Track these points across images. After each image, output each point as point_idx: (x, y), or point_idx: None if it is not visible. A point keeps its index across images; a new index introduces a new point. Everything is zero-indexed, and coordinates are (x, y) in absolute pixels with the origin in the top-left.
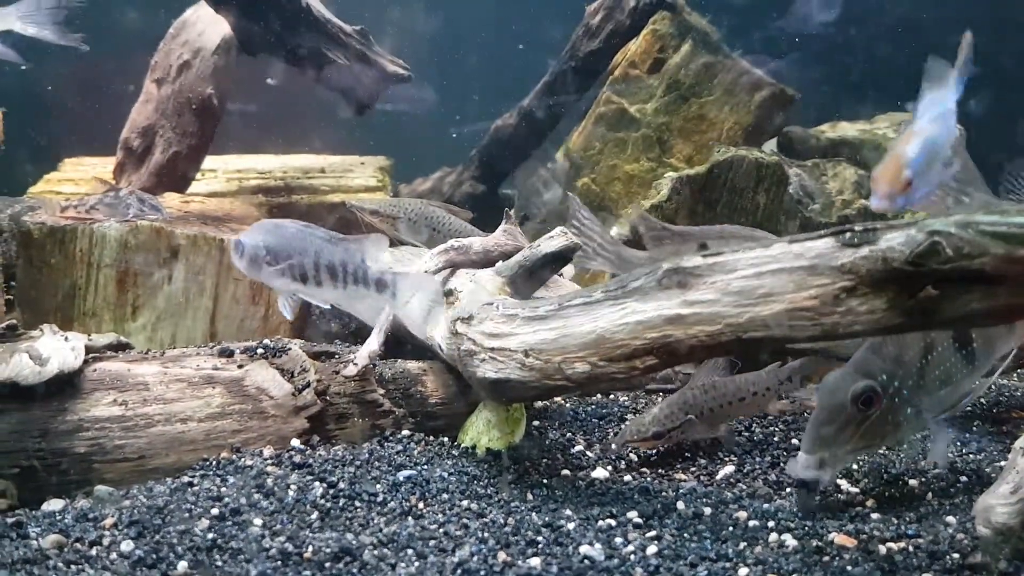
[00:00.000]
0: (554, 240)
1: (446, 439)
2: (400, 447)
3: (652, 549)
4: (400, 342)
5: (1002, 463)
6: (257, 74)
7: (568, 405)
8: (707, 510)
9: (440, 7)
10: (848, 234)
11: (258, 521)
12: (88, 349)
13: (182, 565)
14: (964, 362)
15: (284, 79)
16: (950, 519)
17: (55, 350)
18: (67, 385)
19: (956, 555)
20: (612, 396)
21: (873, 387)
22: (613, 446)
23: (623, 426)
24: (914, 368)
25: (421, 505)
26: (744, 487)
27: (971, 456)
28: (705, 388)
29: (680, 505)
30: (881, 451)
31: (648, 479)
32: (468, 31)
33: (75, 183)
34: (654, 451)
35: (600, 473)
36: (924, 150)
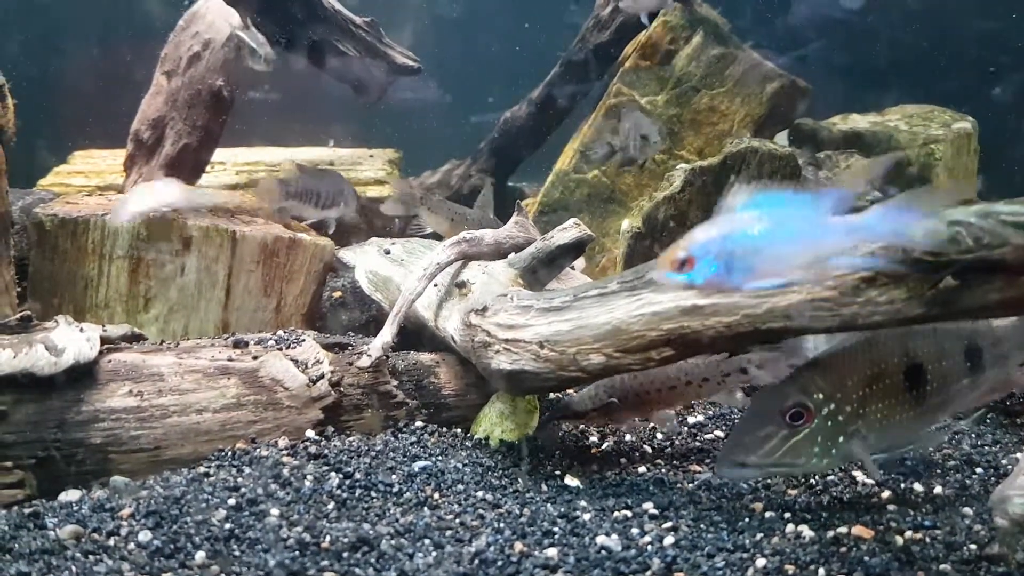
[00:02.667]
0: (567, 232)
1: (459, 430)
2: (414, 438)
3: (669, 540)
4: (415, 334)
5: (1018, 454)
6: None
7: None
8: (723, 501)
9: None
10: None
11: (275, 511)
12: (103, 340)
13: (200, 555)
14: (912, 403)
15: (295, 71)
16: (967, 510)
17: (70, 341)
18: (83, 376)
19: (973, 546)
20: None
21: (805, 403)
22: (568, 410)
23: (580, 393)
24: (855, 395)
25: (437, 496)
26: (759, 478)
27: (986, 448)
28: (635, 374)
29: (696, 496)
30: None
31: (663, 470)
32: (478, 23)
33: (85, 176)
34: (603, 436)
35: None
36: (713, 241)
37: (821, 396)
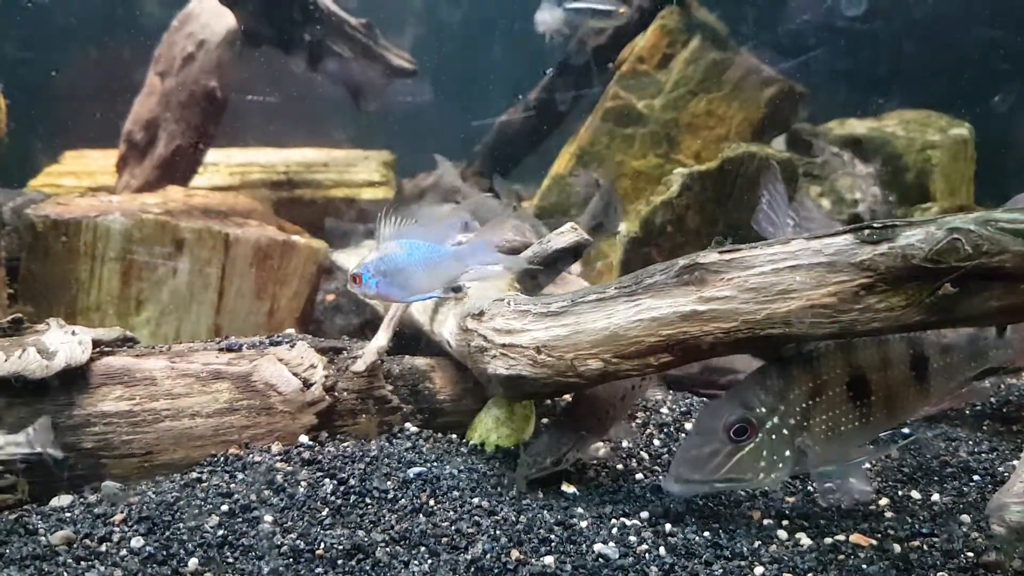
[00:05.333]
0: (564, 236)
1: (455, 436)
2: (409, 444)
3: (666, 547)
4: (415, 340)
5: (1014, 462)
6: (265, 68)
7: None
8: (720, 508)
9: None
10: (868, 231)
11: (269, 518)
12: (95, 343)
13: (193, 562)
14: (857, 414)
15: (290, 72)
16: (964, 518)
17: (62, 344)
18: (75, 379)
19: (970, 554)
20: None
21: (748, 418)
22: (515, 486)
23: (520, 459)
24: (798, 408)
25: (432, 502)
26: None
27: (983, 455)
28: (587, 399)
29: (693, 503)
30: (892, 453)
31: (660, 477)
32: (473, 25)
33: (76, 176)
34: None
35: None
36: (372, 263)
37: (764, 410)
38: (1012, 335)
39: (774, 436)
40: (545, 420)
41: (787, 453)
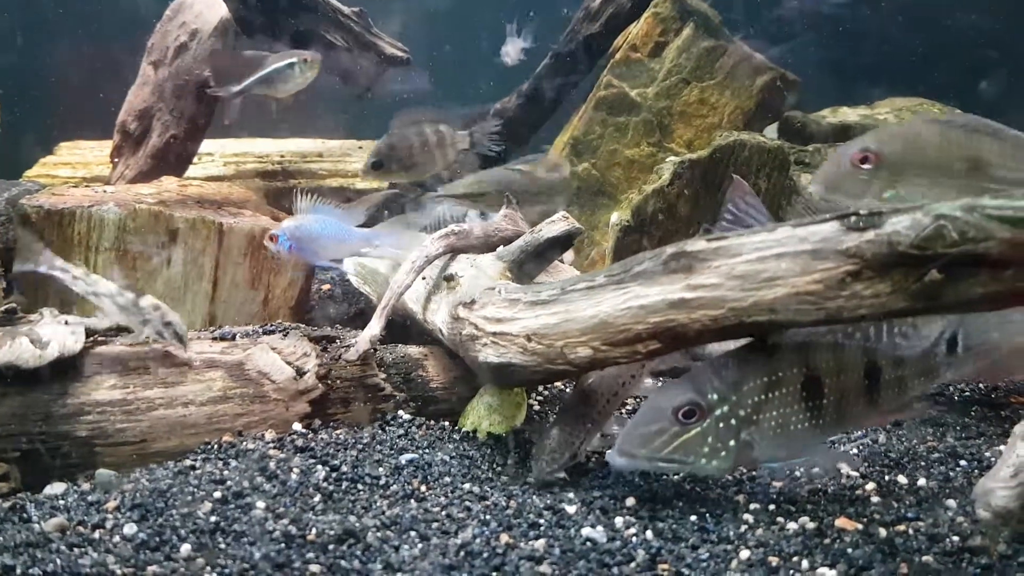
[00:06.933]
0: (555, 225)
1: (447, 423)
2: (401, 431)
3: (653, 531)
4: (408, 328)
5: (1001, 447)
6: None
7: (569, 390)
8: (707, 493)
9: None
10: (853, 218)
11: (261, 504)
12: (89, 333)
13: (185, 548)
14: (808, 416)
15: None
16: (950, 502)
17: (55, 334)
18: (68, 369)
19: (956, 538)
20: None
21: (697, 402)
22: (538, 477)
23: (536, 461)
24: (750, 400)
25: (423, 488)
26: (743, 470)
27: (970, 440)
28: (586, 393)
29: (680, 488)
30: (879, 438)
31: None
32: (466, 13)
33: (71, 167)
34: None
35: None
36: (288, 228)
37: (715, 397)
38: (964, 353)
39: (721, 424)
40: (536, 407)
41: (731, 443)
